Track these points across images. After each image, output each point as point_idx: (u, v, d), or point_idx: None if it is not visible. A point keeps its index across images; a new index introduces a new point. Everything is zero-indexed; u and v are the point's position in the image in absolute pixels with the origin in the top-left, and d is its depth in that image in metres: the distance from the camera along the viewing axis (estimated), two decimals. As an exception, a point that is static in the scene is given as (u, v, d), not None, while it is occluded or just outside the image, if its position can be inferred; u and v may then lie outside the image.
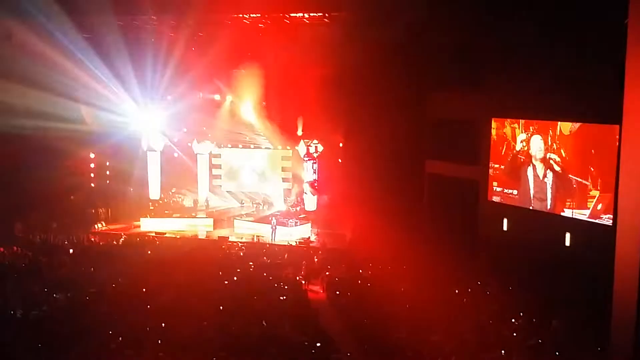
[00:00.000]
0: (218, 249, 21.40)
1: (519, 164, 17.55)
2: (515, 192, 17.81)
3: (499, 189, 18.36)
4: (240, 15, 22.08)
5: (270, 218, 23.76)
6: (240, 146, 27.68)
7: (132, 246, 21.62)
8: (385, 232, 19.31)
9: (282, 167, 27.20)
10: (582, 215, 15.54)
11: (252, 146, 27.55)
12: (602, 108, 14.03)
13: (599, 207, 15.06)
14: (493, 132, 18.40)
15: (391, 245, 18.82)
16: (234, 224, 24.45)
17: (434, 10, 18.74)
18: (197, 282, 16.47)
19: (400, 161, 21.27)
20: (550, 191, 16.61)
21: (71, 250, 20.43)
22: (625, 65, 11.19)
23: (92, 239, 22.68)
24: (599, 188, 15.12)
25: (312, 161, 25.30)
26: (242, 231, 23.84)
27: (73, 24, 21.35)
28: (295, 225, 23.47)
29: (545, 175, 16.77)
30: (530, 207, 17.23)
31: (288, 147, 26.61)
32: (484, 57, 18.16)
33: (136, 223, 24.67)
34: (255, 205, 27.63)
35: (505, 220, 18.15)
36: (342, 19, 21.17)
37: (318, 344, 12.77)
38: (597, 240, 14.44)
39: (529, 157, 17.24)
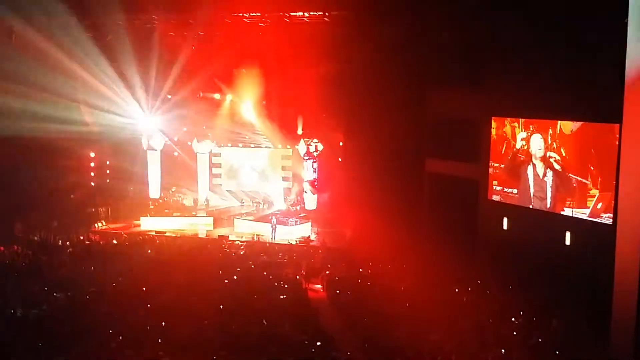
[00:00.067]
0: (218, 248, 21.40)
1: (518, 162, 17.55)
2: (515, 191, 17.80)
3: (498, 188, 18.35)
4: (240, 14, 22.09)
5: (270, 217, 23.77)
6: (241, 145, 27.71)
7: (132, 245, 21.62)
8: (385, 231, 19.31)
9: (282, 166, 27.23)
10: (582, 214, 15.53)
11: (252, 145, 27.59)
12: (602, 107, 14.01)
13: (599, 206, 15.05)
14: (493, 131, 18.39)
15: (391, 244, 18.83)
16: (234, 223, 24.47)
17: (434, 10, 18.75)
18: (197, 281, 16.47)
19: (400, 160, 21.26)
20: (550, 190, 16.60)
21: (71, 250, 20.44)
22: (625, 64, 11.19)
23: (92, 238, 22.67)
24: (599, 187, 15.12)
25: (312, 160, 25.32)
26: (242, 230, 23.85)
27: (73, 23, 21.35)
28: (295, 224, 23.49)
29: (545, 174, 16.76)
30: (530, 206, 17.23)
31: (288, 146, 26.64)
32: (484, 56, 18.13)
33: (136, 222, 24.68)
34: (255, 204, 27.66)
35: (505, 219, 18.15)
36: (342, 18, 21.17)
37: (318, 343, 12.77)
38: (597, 239, 14.43)
39: (529, 155, 17.23)
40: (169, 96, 25.57)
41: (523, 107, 17.11)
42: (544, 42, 15.72)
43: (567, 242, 15.96)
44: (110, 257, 19.19)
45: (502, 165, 18.17)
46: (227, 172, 27.99)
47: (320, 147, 25.34)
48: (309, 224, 23.94)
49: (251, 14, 22.06)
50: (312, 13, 21.50)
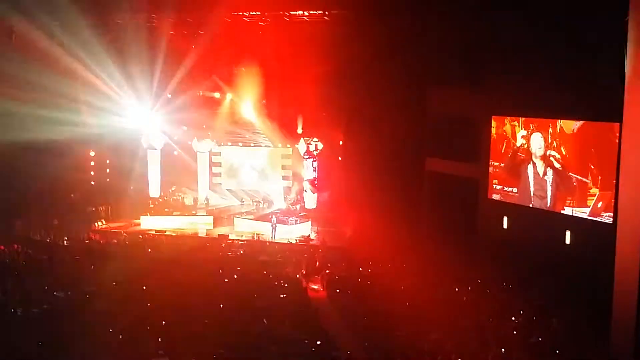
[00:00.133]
0: (218, 247, 21.41)
1: (519, 161, 17.55)
2: (515, 190, 17.81)
3: (499, 187, 18.36)
4: (240, 13, 22.07)
5: (270, 216, 23.77)
6: (240, 144, 27.70)
7: (132, 244, 21.63)
8: (385, 230, 19.32)
9: (282, 165, 27.22)
10: (583, 213, 15.54)
11: (252, 144, 27.58)
12: (603, 106, 14.02)
13: (600, 205, 15.06)
14: (493, 130, 18.39)
15: (391, 244, 18.84)
16: (234, 222, 24.47)
17: (434, 9, 18.74)
18: (197, 280, 16.47)
19: (400, 159, 21.27)
20: (551, 189, 16.61)
21: (71, 249, 20.45)
22: (625, 63, 11.19)
23: (93, 237, 22.67)
24: (599, 186, 15.12)
25: (312, 159, 25.31)
26: (242, 229, 23.85)
27: (73, 22, 21.32)
28: (295, 223, 23.49)
29: (545, 173, 16.76)
30: (531, 205, 17.23)
31: (288, 145, 26.64)
32: (484, 55, 18.15)
33: (136, 221, 24.68)
34: (255, 204, 27.66)
35: (505, 218, 18.16)
36: (342, 17, 21.15)
37: (318, 342, 12.78)
38: (597, 238, 14.44)
39: (529, 154, 17.23)
40: (169, 95, 25.57)
41: (523, 106, 17.12)
42: (544, 41, 15.72)
43: (567, 241, 15.98)
44: (110, 256, 19.16)
45: (502, 164, 18.18)
46: (227, 171, 27.99)
47: (320, 146, 25.33)
48: (309, 223, 23.95)
49: (251, 13, 22.05)
50: (312, 12, 21.49)
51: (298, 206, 25.96)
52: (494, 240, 18.28)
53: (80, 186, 26.16)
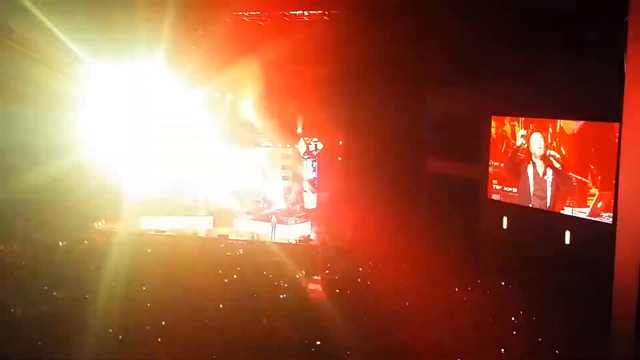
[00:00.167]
0: (218, 247, 21.40)
1: (518, 161, 17.55)
2: (515, 190, 17.81)
3: (498, 187, 18.36)
4: (240, 13, 22.06)
5: (270, 216, 23.74)
6: (241, 144, 27.64)
7: (133, 244, 21.58)
8: (385, 230, 19.31)
9: (282, 165, 27.16)
10: (582, 213, 15.53)
11: (251, 144, 27.53)
12: (602, 106, 14.02)
13: (599, 205, 15.05)
14: (493, 130, 18.39)
15: (391, 244, 18.83)
16: (234, 222, 24.44)
17: (434, 9, 18.73)
18: (197, 280, 16.46)
19: (400, 159, 21.28)
20: (550, 189, 16.61)
21: (71, 249, 20.43)
22: (625, 63, 11.18)
23: (93, 237, 22.64)
24: (598, 186, 15.12)
25: (312, 159, 25.30)
26: (242, 229, 23.82)
27: (72, 21, 21.29)
28: (295, 224, 23.47)
29: (545, 173, 16.76)
30: (530, 205, 17.23)
31: (288, 145, 26.60)
32: (483, 55, 18.15)
33: (137, 221, 24.64)
34: (254, 204, 27.60)
35: (505, 219, 18.15)
36: (342, 17, 21.14)
37: (318, 342, 12.78)
38: (597, 238, 14.44)
39: (528, 154, 17.23)
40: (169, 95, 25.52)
41: (522, 106, 17.13)
42: (544, 41, 15.72)
43: (567, 241, 15.97)
44: (110, 256, 19.13)
45: (502, 164, 18.18)
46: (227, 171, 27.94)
47: (320, 146, 25.31)
48: (309, 223, 23.93)
49: (251, 13, 22.04)
50: (311, 12, 21.48)
51: (298, 206, 25.92)
52: (494, 240, 18.28)
53: (81, 186, 26.09)
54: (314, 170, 25.33)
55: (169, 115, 25.71)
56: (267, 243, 22.32)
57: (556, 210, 16.36)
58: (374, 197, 21.11)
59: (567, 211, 16.01)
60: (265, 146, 27.31)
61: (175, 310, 14.16)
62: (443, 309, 14.38)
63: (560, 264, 15.55)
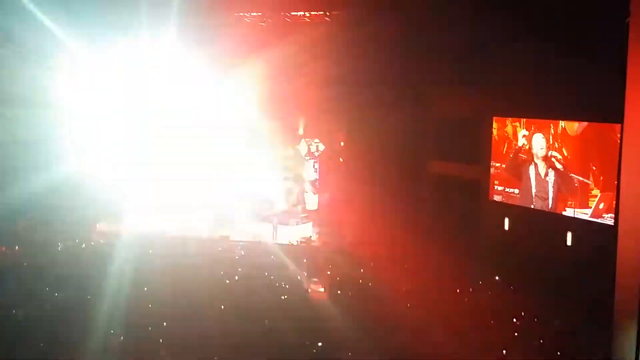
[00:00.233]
0: (219, 249, 21.40)
1: (520, 162, 17.53)
2: (516, 191, 17.78)
3: (500, 188, 18.34)
4: (241, 14, 22.07)
5: (271, 217, 23.74)
6: (241, 145, 27.65)
7: (134, 245, 21.59)
8: (386, 232, 19.32)
9: (283, 167, 27.15)
10: (584, 214, 15.51)
11: (252, 145, 27.53)
12: (604, 107, 14.00)
13: (601, 206, 15.03)
14: (494, 131, 18.37)
15: (392, 245, 18.84)
16: (235, 223, 24.42)
17: (435, 9, 18.73)
18: (198, 281, 16.48)
19: (401, 160, 21.27)
20: (552, 190, 16.59)
21: (73, 250, 20.45)
22: (626, 64, 11.16)
23: (94, 238, 22.67)
24: (600, 187, 15.10)
25: (313, 160, 25.30)
26: (243, 230, 23.82)
27: (73, 21, 21.33)
28: (296, 225, 23.46)
29: (547, 174, 16.74)
30: (532, 206, 17.20)
31: (289, 146, 26.59)
32: (485, 55, 18.14)
33: (137, 222, 24.63)
34: (256, 205, 27.58)
35: (506, 220, 18.13)
36: (343, 18, 21.15)
37: (320, 344, 12.78)
38: (599, 239, 14.42)
39: (530, 155, 17.22)
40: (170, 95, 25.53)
41: (524, 106, 17.10)
42: (545, 42, 15.71)
43: (569, 242, 15.95)
44: (112, 257, 19.16)
45: (504, 165, 18.16)
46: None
47: (322, 147, 25.32)
48: (310, 224, 23.92)
49: (252, 14, 22.05)
50: (313, 13, 21.49)
51: (299, 207, 25.92)
52: (496, 241, 18.26)
53: (82, 187, 26.11)
54: (316, 172, 25.34)
55: (169, 115, 25.74)
56: (269, 244, 22.34)
57: (558, 212, 16.34)
58: (375, 198, 21.10)
59: (568, 212, 15.99)
60: (267, 147, 27.35)
61: (176, 312, 14.17)
62: (444, 311, 14.37)
63: (562, 265, 15.53)
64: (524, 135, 17.37)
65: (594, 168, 15.23)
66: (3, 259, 19.44)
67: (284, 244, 22.20)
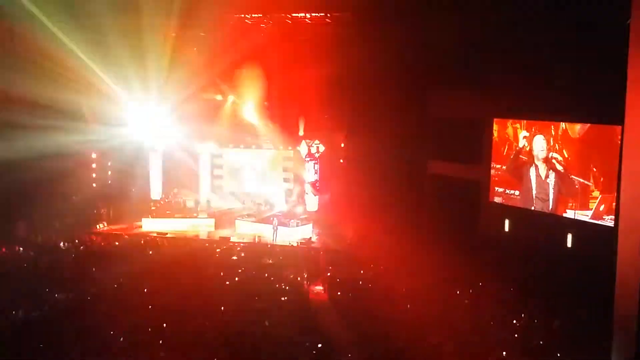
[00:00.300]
0: (219, 249, 21.40)
1: (521, 163, 17.53)
2: (517, 192, 17.79)
3: (500, 190, 18.34)
4: (242, 16, 22.10)
5: (271, 218, 23.76)
6: (242, 146, 27.71)
7: (134, 246, 21.63)
8: (386, 233, 19.29)
9: (284, 168, 27.19)
10: (585, 216, 15.51)
11: (253, 146, 27.58)
12: (604, 109, 14.02)
13: (602, 208, 15.03)
14: (495, 133, 18.38)
15: (392, 246, 18.81)
16: (236, 224, 24.45)
17: (436, 10, 18.75)
18: (199, 282, 16.47)
19: (402, 162, 21.27)
20: (553, 192, 16.59)
21: (73, 251, 20.46)
22: (627, 66, 11.17)
23: (94, 239, 22.68)
24: (600, 189, 15.10)
25: (313, 161, 25.31)
26: (244, 231, 23.84)
27: (74, 22, 21.35)
28: (296, 226, 23.47)
29: (547, 176, 16.74)
30: (532, 208, 17.20)
31: (290, 148, 26.62)
32: (486, 57, 18.15)
33: (138, 223, 24.67)
34: (256, 206, 27.62)
35: (507, 221, 18.13)
36: (343, 20, 21.17)
37: (319, 345, 12.78)
38: (599, 241, 14.42)
39: (531, 157, 17.22)
40: (171, 97, 25.55)
41: (524, 109, 17.12)
42: (547, 44, 15.73)
43: (569, 244, 15.95)
44: (112, 259, 19.19)
45: (504, 167, 18.16)
46: (229, 173, 28.00)
47: (322, 148, 25.33)
48: (311, 225, 23.91)
49: (253, 15, 22.08)
50: (313, 14, 21.52)
51: (299, 208, 25.93)
52: (496, 243, 18.26)
53: (82, 188, 26.14)
54: (316, 173, 25.35)
55: (170, 115, 25.79)
56: (269, 245, 22.34)
57: (558, 213, 16.34)
58: (375, 200, 21.10)
59: (569, 214, 15.99)
60: (267, 148, 27.39)
61: (176, 312, 14.16)
62: (444, 312, 14.36)
63: (561, 266, 15.53)
64: (524, 137, 17.38)
65: (595, 170, 15.24)
66: (4, 260, 19.44)
67: (284, 245, 22.28)
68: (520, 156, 17.52)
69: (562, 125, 16.14)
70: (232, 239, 22.90)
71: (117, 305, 14.80)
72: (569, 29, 15.02)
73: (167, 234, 23.64)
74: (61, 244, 21.29)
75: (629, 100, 11.31)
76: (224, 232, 23.95)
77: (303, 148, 25.34)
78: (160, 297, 15.21)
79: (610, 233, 13.12)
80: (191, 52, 23.52)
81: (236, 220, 24.74)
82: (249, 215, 25.94)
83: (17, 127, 21.21)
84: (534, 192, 17.13)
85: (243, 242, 22.54)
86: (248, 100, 25.83)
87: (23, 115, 21.35)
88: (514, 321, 13.87)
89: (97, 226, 24.42)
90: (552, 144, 16.51)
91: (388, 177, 21.27)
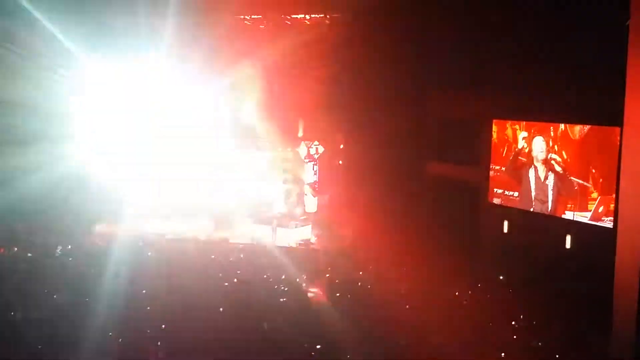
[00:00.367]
0: (218, 251, 21.38)
1: (520, 165, 17.51)
2: (516, 194, 17.77)
3: (499, 191, 18.32)
4: (241, 16, 22.08)
5: (270, 219, 23.73)
6: (241, 147, 27.65)
7: (133, 248, 21.57)
8: (385, 234, 19.27)
9: (283, 169, 27.15)
10: (584, 217, 15.50)
11: (252, 147, 27.53)
12: (604, 110, 14.01)
13: (601, 209, 15.02)
14: (494, 134, 18.36)
15: (392, 247, 18.78)
16: (234, 225, 24.41)
17: (435, 11, 18.75)
18: (197, 283, 16.44)
19: (401, 163, 21.25)
20: (552, 193, 16.57)
21: (71, 252, 20.43)
22: (626, 67, 11.18)
23: (93, 240, 22.64)
24: (600, 190, 15.09)
25: (312, 162, 25.29)
26: (243, 233, 23.80)
27: (74, 22, 21.32)
28: (295, 227, 23.45)
29: (546, 177, 16.72)
30: (531, 209, 17.19)
31: (289, 149, 26.59)
32: (485, 58, 18.15)
33: (137, 224, 24.60)
34: (255, 207, 27.56)
35: (505, 223, 18.11)
36: (343, 20, 21.17)
37: (318, 346, 12.76)
38: (598, 243, 14.40)
39: (530, 158, 17.20)
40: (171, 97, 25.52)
41: (523, 110, 17.10)
42: (546, 45, 15.73)
43: (568, 245, 15.94)
44: (110, 260, 19.13)
45: (503, 168, 18.14)
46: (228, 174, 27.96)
47: (321, 149, 25.31)
48: (310, 226, 23.90)
49: (252, 16, 22.07)
50: (313, 15, 21.51)
51: (298, 210, 25.89)
52: (495, 244, 18.25)
53: (82, 189, 26.08)
54: (315, 174, 25.33)
55: (170, 115, 25.73)
56: (268, 246, 22.31)
57: (557, 215, 16.32)
58: (374, 201, 21.07)
59: (568, 215, 15.97)
60: (266, 149, 27.35)
61: (175, 314, 14.14)
62: (443, 313, 14.35)
63: (561, 268, 15.52)
64: (523, 138, 17.36)
65: (594, 171, 15.22)
66: (2, 262, 19.41)
67: (283, 247, 22.22)
68: (520, 157, 17.50)
69: (562, 126, 16.13)
70: (230, 240, 22.88)
71: (115, 307, 14.74)
72: (569, 29, 15.00)
73: (165, 235, 23.60)
74: (60, 245, 21.32)
75: (628, 101, 11.33)
76: (222, 234, 23.92)
77: (302, 149, 25.33)
78: (159, 299, 15.19)
79: (609, 234, 13.11)
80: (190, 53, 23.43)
81: (235, 222, 24.70)
82: (248, 216, 25.93)
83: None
84: (533, 193, 17.11)
85: (242, 244, 22.50)
86: (246, 101, 25.78)
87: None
88: (513, 322, 13.86)
89: (97, 227, 24.37)
90: (551, 145, 16.49)
91: (387, 178, 21.24)
